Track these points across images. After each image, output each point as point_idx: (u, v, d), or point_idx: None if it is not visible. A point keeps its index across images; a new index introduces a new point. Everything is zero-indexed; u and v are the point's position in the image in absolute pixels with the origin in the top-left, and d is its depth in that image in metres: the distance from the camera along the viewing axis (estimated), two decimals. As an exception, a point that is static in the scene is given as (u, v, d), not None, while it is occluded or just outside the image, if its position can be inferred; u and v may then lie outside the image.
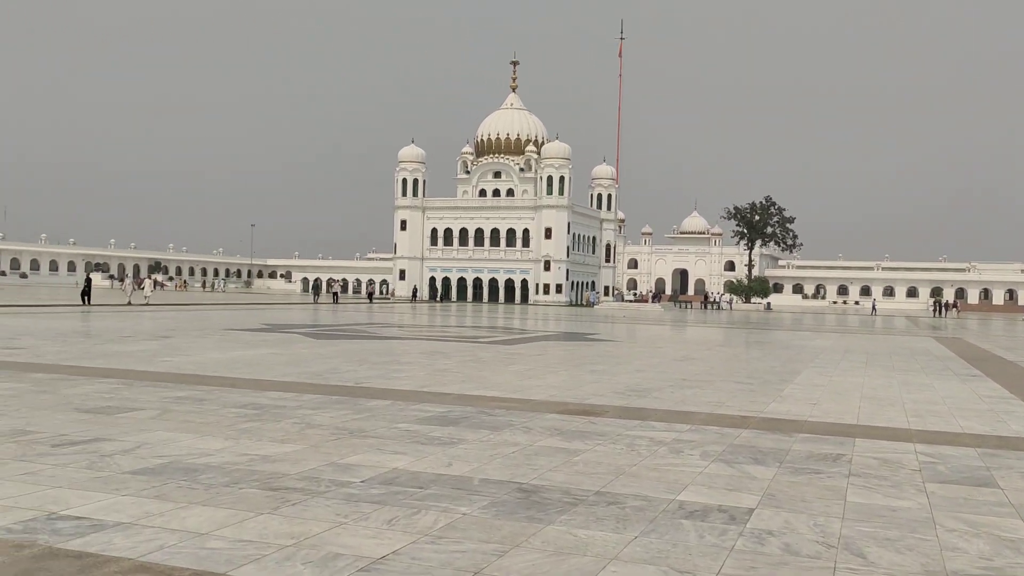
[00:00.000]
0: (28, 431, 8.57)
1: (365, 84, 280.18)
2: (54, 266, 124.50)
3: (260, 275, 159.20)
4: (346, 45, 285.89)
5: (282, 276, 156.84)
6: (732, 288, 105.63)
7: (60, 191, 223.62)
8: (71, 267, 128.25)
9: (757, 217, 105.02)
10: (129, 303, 43.97)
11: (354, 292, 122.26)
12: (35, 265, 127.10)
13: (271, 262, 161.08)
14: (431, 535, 5.34)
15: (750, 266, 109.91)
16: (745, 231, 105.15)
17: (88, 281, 42.83)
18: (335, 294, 68.11)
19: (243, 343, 21.89)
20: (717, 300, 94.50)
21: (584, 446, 8.55)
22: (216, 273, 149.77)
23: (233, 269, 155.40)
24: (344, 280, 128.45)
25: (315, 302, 62.87)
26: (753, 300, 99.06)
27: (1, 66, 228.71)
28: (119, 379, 13.17)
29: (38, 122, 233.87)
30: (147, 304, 44.18)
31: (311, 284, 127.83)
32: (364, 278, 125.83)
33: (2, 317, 30.64)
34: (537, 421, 10.10)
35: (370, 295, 74.18)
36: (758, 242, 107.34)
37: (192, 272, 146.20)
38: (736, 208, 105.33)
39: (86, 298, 41.73)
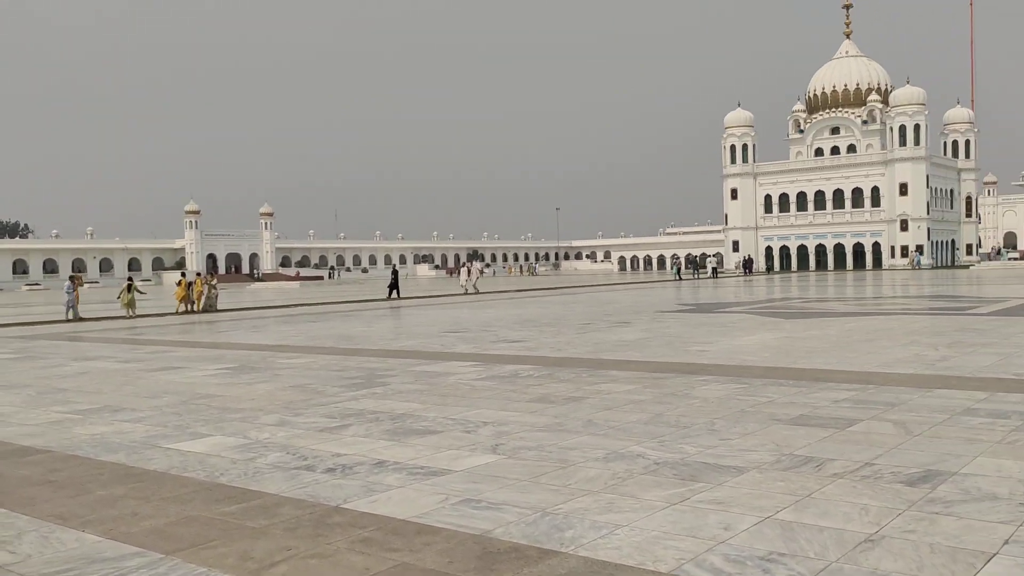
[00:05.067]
0: (872, 463, 5.14)
1: (681, 51, 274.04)
2: (388, 260, 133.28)
3: (567, 257, 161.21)
4: (660, 11, 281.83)
5: (587, 256, 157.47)
6: None
7: (386, 193, 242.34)
8: (402, 260, 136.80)
9: None
10: (465, 291, 42.95)
11: (659, 268, 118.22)
12: (372, 260, 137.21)
13: (576, 243, 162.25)
14: None
15: None
16: None
17: (395, 274, 39.70)
18: (679, 270, 64.53)
19: (729, 326, 18.43)
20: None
21: None
22: (527, 257, 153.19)
23: (541, 253, 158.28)
24: (648, 256, 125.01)
25: (678, 279, 59.79)
26: None
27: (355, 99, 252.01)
28: (736, 377, 9.93)
29: (372, 139, 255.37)
30: (477, 292, 42.93)
31: (628, 261, 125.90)
32: (668, 253, 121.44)
33: (438, 309, 30.03)
34: None
35: (714, 269, 69.52)
36: None
37: (505, 258, 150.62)
38: None
39: (394, 292, 38.35)
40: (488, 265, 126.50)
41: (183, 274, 33.22)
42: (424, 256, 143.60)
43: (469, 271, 45.95)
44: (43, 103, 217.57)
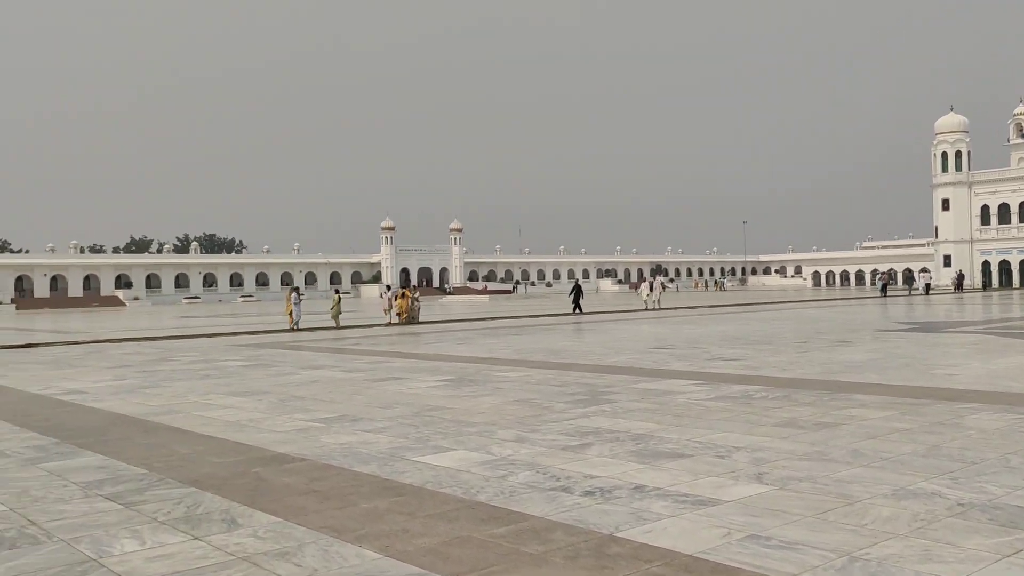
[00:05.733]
0: None
1: (883, 55, 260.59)
2: (571, 274, 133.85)
3: (753, 271, 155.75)
4: (856, 13, 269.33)
5: (776, 271, 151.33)
6: None
7: (569, 208, 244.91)
8: (585, 274, 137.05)
9: None
10: (646, 307, 41.69)
11: (856, 284, 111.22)
12: (556, 274, 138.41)
13: (764, 258, 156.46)
14: None
15: None
16: None
17: (578, 289, 39.20)
18: (884, 286, 60.26)
19: (971, 347, 16.71)
20: None
21: None
22: (712, 272, 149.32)
23: (727, 267, 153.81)
24: (845, 271, 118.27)
25: (883, 296, 56.09)
26: None
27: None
28: (1009, 406, 8.76)
29: (558, 157, 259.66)
30: (659, 308, 41.52)
31: (823, 277, 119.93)
32: (866, 268, 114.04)
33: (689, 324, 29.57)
34: None
35: (927, 285, 64.45)
36: None
37: (689, 272, 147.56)
38: None
39: (577, 307, 37.77)
40: (672, 280, 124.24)
41: (388, 287, 34.52)
42: (607, 271, 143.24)
43: (651, 286, 45.04)
44: (261, 134, 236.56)
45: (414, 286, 39.72)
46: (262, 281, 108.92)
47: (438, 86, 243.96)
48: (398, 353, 18.60)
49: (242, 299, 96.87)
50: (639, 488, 5.97)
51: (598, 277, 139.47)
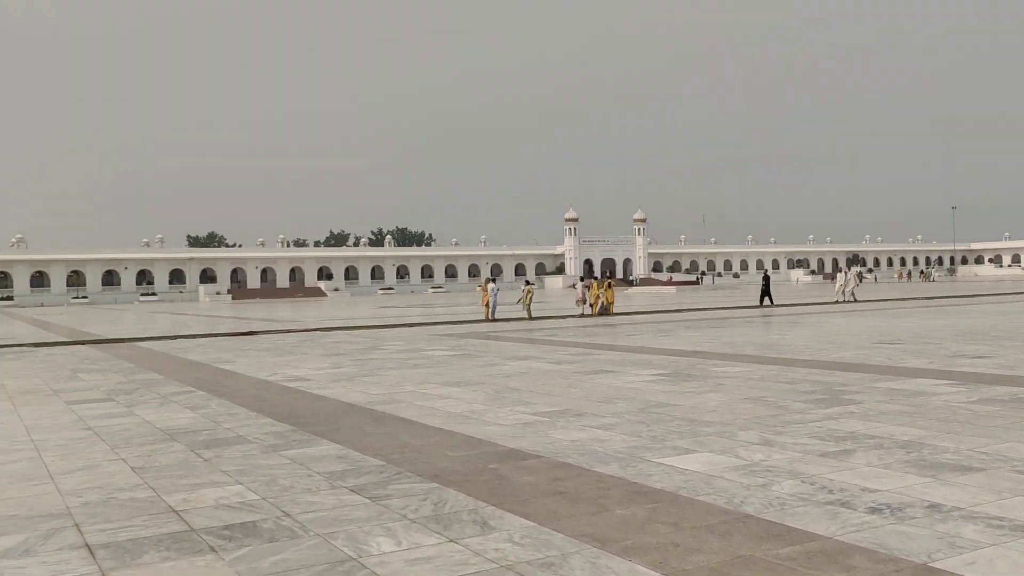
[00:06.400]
0: None
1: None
2: (759, 265, 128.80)
3: (963, 261, 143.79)
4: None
5: (990, 260, 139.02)
6: None
7: (756, 196, 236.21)
8: (775, 264, 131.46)
9: None
10: (836, 301, 38.49)
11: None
12: (743, 265, 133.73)
13: (976, 246, 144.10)
14: None
15: None
16: None
17: (767, 280, 36.92)
18: None
19: None
20: None
21: None
22: (916, 262, 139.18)
23: (933, 256, 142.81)
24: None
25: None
26: None
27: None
28: None
29: (745, 138, 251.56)
30: (855, 300, 38.19)
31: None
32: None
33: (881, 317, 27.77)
34: None
35: None
36: None
37: (890, 262, 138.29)
38: None
39: (766, 298, 36.14)
40: (870, 270, 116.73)
41: (581, 278, 34.22)
42: (798, 261, 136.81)
43: (846, 276, 42.02)
44: (449, 131, 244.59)
45: (608, 274, 39.19)
46: (451, 273, 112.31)
47: (622, 76, 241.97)
48: (600, 345, 18.16)
49: (432, 290, 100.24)
50: (935, 507, 5.15)
51: (788, 267, 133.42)
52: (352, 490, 5.96)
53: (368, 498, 5.73)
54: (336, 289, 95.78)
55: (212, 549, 4.73)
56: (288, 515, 5.38)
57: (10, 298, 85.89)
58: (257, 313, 45.01)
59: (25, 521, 5.42)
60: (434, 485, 6.04)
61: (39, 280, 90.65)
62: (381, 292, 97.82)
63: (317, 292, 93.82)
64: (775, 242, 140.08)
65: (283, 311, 47.25)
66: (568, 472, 6.33)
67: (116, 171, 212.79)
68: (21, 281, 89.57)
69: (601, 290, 31.49)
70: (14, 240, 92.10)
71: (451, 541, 4.76)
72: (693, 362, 13.87)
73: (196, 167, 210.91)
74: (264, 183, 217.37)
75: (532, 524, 5.02)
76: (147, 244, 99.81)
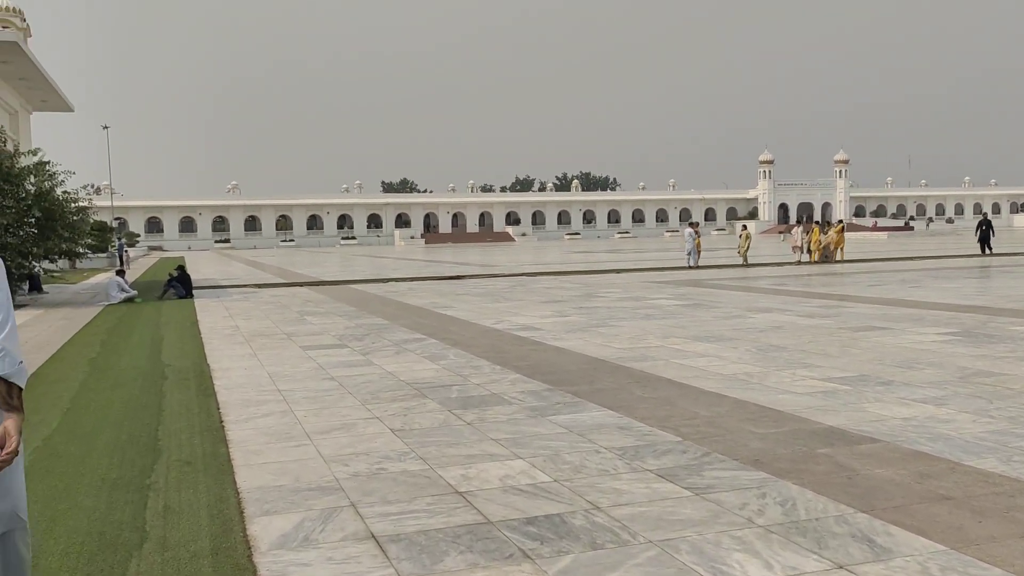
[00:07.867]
0: None
1: None
2: (977, 209, 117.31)
3: None
4: None
5: None
6: None
7: (971, 131, 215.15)
8: (995, 209, 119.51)
9: None
10: None
11: None
12: (959, 209, 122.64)
13: None
14: None
15: None
16: None
17: (987, 225, 32.17)
18: None
19: None
20: None
21: None
22: None
23: None
24: None
25: None
26: None
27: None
28: None
29: (956, 66, 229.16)
30: None
31: None
32: None
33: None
34: None
35: None
36: None
37: None
38: None
39: (985, 246, 31.90)
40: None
41: (799, 221, 31.70)
42: (1023, 204, 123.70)
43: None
44: (631, 75, 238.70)
45: (840, 220, 36.29)
46: (638, 218, 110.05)
47: (830, 14, 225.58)
48: (847, 296, 16.20)
49: (619, 235, 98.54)
50: None
51: (1011, 212, 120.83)
52: (660, 476, 4.87)
53: (686, 488, 4.62)
54: (524, 234, 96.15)
55: (525, 555, 3.77)
56: (597, 507, 4.36)
57: (227, 240, 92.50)
58: (453, 257, 45.41)
59: (294, 495, 4.72)
60: (763, 475, 4.83)
61: (251, 224, 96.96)
62: (568, 237, 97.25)
63: (505, 237, 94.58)
64: (995, 184, 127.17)
65: (476, 255, 47.44)
66: (933, 466, 4.93)
67: (315, 118, 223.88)
68: (236, 224, 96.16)
69: (823, 235, 28.92)
70: (230, 186, 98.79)
71: (840, 568, 3.54)
72: (980, 319, 11.81)
73: (387, 113, 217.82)
74: (453, 129, 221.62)
75: (940, 547, 3.71)
76: (346, 190, 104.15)
